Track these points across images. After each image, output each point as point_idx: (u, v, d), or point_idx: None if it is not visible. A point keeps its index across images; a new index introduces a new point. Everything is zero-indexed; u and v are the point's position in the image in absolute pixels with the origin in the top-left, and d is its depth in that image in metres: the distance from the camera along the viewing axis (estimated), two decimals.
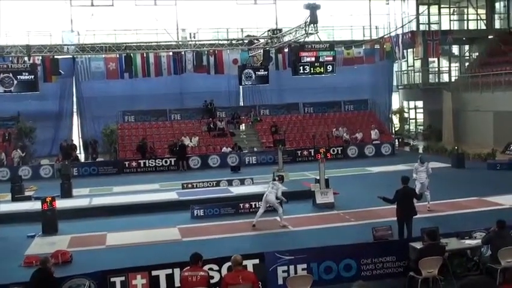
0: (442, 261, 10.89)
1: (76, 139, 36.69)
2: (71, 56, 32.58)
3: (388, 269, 11.94)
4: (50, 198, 17.43)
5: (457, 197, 19.83)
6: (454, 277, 11.26)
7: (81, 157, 35.24)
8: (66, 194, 22.55)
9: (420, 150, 34.77)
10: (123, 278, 10.79)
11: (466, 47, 42.30)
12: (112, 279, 10.74)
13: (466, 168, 26.99)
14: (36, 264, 12.12)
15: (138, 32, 36.43)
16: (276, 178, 17.68)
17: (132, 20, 36.72)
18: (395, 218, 14.55)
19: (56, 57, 28.36)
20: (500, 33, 38.49)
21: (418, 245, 11.47)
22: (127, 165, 30.99)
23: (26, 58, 27.63)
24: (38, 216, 17.45)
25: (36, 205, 18.84)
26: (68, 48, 29.71)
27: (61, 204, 18.92)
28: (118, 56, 32.44)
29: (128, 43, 29.60)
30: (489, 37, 39.27)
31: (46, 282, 9.81)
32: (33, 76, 27.15)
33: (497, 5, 40.97)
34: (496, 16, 41.11)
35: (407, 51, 39.62)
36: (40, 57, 29.65)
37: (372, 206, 18.04)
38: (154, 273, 10.97)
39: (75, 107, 37.72)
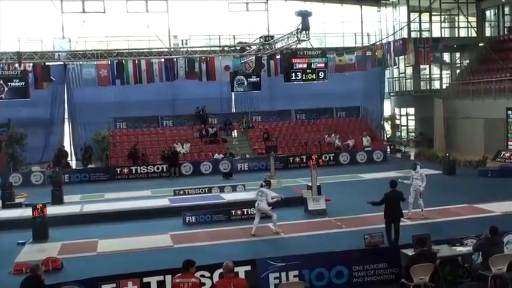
0: (433, 269, 10.91)
1: (67, 146, 36.49)
2: (62, 63, 32.39)
3: (379, 276, 11.95)
4: (40, 205, 17.35)
5: (448, 204, 19.87)
6: (445, 284, 11.30)
7: (73, 164, 35.10)
8: (57, 200, 22.44)
9: (412, 157, 34.88)
10: (114, 285, 10.75)
11: (457, 55, 42.55)
12: (103, 286, 10.69)
13: (457, 175, 27.10)
14: (26, 271, 12.01)
15: (130, 38, 36.45)
16: (263, 184, 17.38)
17: (123, 27, 36.71)
18: None
19: (47, 64, 28.23)
20: (491, 41, 38.73)
21: (409, 252, 11.49)
22: (119, 172, 30.90)
23: (16, 65, 27.47)
24: (29, 223, 17.31)
25: (27, 212, 18.67)
26: (59, 55, 29.58)
27: (52, 211, 18.82)
28: (110, 62, 32.38)
29: (120, 50, 29.52)
30: (480, 45, 39.49)
31: None
32: (24, 83, 26.95)
33: (487, 13, 41.25)
34: (487, 24, 41.40)
35: (398, 58, 39.77)
36: (31, 64, 29.55)
37: (363, 213, 18.06)
38: (145, 280, 10.94)
39: (66, 113, 37.62)
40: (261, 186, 17.35)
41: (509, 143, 30.84)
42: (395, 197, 14.92)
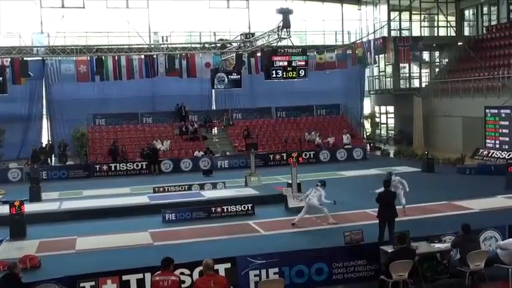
0: (412, 265, 10.99)
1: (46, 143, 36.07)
2: (40, 58, 32.14)
3: (359, 273, 12.00)
4: (18, 202, 17.14)
5: (427, 201, 19.98)
6: (423, 280, 11.39)
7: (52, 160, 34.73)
8: (35, 197, 22.20)
9: (391, 155, 35.15)
10: (93, 283, 10.64)
11: (436, 54, 42.93)
12: (82, 284, 10.58)
13: (435, 173, 27.33)
14: (3, 269, 11.89)
15: (110, 34, 36.08)
16: (319, 184, 17.60)
17: (103, 23, 36.42)
18: (366, 222, 14.89)
19: (25, 59, 27.94)
20: (469, 40, 39.08)
21: (388, 249, 11.57)
22: (98, 169, 30.66)
23: None
24: (6, 221, 17.09)
25: (4, 209, 18.40)
26: (37, 50, 29.29)
27: (30, 208, 18.64)
28: (89, 58, 32.13)
29: (99, 46, 29.31)
30: (458, 44, 39.87)
31: (14, 287, 9.63)
32: (1, 78, 26.71)
33: (466, 12, 41.70)
34: (465, 23, 41.87)
35: (378, 57, 40.01)
36: (9, 59, 29.16)
37: (343, 210, 18.13)
38: (124, 277, 10.85)
39: (44, 109, 37.21)
40: (317, 185, 17.53)
41: (487, 141, 31.15)
42: (389, 197, 14.91)
